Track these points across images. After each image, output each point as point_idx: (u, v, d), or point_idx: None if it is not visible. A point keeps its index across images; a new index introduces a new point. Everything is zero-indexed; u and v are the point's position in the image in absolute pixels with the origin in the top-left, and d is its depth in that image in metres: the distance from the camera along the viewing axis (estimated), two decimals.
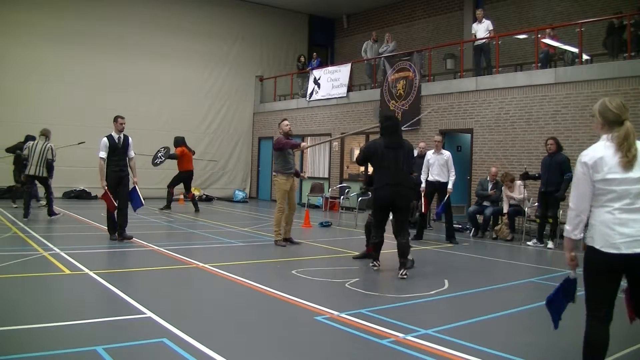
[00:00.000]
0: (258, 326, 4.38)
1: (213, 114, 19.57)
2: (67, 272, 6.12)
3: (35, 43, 15.94)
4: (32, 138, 12.02)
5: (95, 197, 16.61)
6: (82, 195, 16.41)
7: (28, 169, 11.18)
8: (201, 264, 6.78)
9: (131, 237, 8.59)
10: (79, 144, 14.02)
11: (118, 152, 8.47)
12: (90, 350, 3.59)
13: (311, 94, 17.83)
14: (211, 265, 6.71)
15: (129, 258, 7.45)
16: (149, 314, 4.50)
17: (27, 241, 8.11)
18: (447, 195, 9.73)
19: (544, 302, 3.42)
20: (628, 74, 10.34)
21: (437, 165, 9.83)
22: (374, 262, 6.85)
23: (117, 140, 8.48)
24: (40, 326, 4.14)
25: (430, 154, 10.02)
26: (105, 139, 8.45)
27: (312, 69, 18.22)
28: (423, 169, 10.04)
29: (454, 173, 9.82)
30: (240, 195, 18.65)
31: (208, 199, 18.10)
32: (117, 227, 8.53)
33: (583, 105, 10.91)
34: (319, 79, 17.65)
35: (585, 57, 11.67)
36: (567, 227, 3.11)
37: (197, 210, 14.01)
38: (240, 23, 19.96)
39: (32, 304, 4.87)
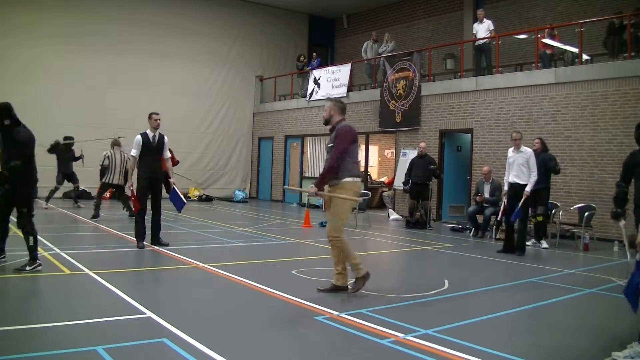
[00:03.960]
0: (258, 326, 4.37)
1: (213, 114, 19.58)
2: (67, 272, 6.12)
3: (35, 43, 15.94)
4: (71, 138, 13.17)
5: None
6: (81, 196, 16.37)
7: (110, 178, 11.60)
8: (201, 264, 6.77)
9: (167, 244, 8.04)
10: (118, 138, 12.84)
11: (152, 151, 7.86)
12: (90, 350, 3.59)
13: (311, 94, 17.83)
14: (211, 265, 6.71)
15: (129, 258, 7.43)
16: (149, 314, 4.50)
17: None
18: (522, 199, 8.47)
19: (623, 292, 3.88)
20: (628, 74, 10.35)
21: (516, 165, 8.65)
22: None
23: (151, 139, 7.88)
24: (40, 326, 4.14)
25: (510, 152, 8.90)
26: (139, 136, 7.87)
27: (312, 69, 18.23)
28: (506, 170, 9.01)
29: (535, 174, 8.54)
30: (240, 195, 18.64)
31: (208, 199, 18.11)
32: (144, 235, 7.90)
33: (583, 105, 10.92)
34: (319, 79, 17.65)
35: (585, 57, 11.68)
36: None
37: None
38: (240, 23, 19.97)
39: (32, 304, 4.87)
